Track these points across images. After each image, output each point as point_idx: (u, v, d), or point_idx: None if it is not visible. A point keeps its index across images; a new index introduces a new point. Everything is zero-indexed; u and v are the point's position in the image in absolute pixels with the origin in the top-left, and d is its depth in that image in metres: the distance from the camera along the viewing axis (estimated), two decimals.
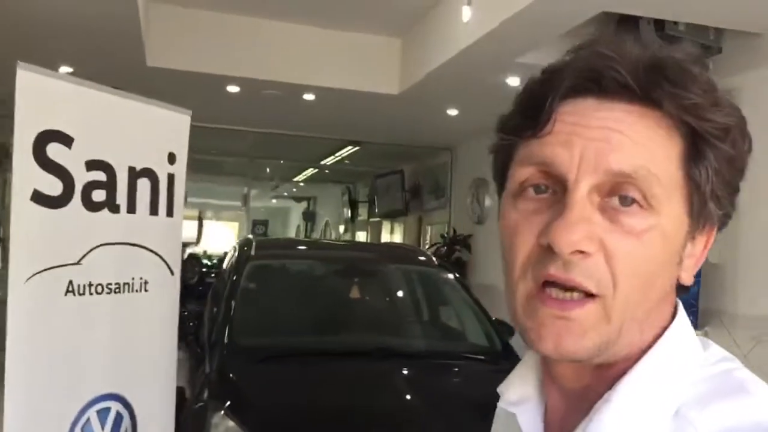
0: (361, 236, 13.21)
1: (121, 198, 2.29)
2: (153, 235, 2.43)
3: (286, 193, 16.20)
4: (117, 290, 2.29)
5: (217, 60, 5.76)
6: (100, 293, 2.22)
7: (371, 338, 3.69)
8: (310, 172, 12.89)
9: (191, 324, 3.65)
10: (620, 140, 0.60)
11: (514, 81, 5.39)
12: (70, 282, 2.12)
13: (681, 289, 0.67)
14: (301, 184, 14.35)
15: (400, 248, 6.24)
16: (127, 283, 2.33)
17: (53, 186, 2.05)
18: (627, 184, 0.60)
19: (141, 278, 2.39)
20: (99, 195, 2.21)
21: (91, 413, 2.24)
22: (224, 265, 4.73)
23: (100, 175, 2.21)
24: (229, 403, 2.85)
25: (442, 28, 5.23)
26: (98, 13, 4.49)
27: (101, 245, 2.22)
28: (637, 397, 0.62)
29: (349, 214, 13.49)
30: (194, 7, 5.67)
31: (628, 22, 4.25)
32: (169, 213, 2.50)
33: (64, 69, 5.55)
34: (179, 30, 5.68)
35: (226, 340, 3.30)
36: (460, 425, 2.86)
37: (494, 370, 3.51)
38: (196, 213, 10.88)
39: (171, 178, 2.50)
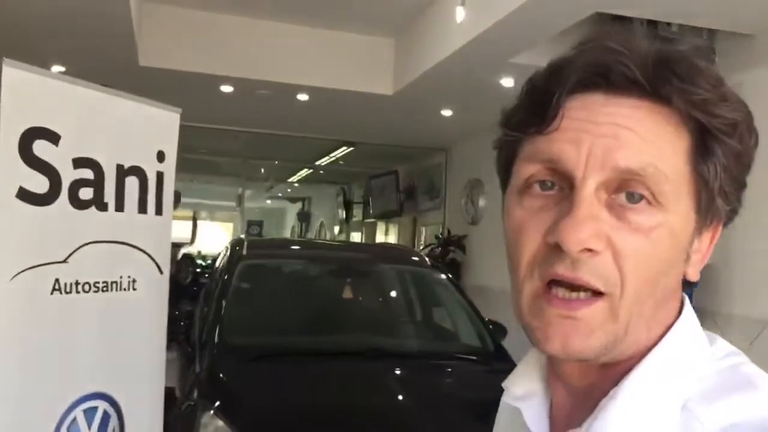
0: (356, 237, 13.20)
1: (109, 196, 2.27)
2: (141, 233, 2.42)
3: (280, 194, 16.19)
4: (105, 289, 2.27)
5: (211, 60, 5.75)
6: (87, 292, 2.21)
7: (363, 338, 3.68)
8: (304, 172, 12.88)
9: (182, 323, 3.64)
10: (628, 137, 0.59)
11: (508, 82, 5.39)
12: (57, 280, 2.10)
13: (686, 284, 0.67)
14: (296, 184, 14.33)
15: (393, 248, 6.23)
16: (115, 282, 2.32)
17: (39, 183, 2.03)
18: (635, 181, 0.59)
19: (129, 277, 2.37)
20: (86, 193, 2.19)
21: (78, 412, 2.22)
22: (216, 265, 4.71)
23: (88, 173, 2.19)
24: (218, 403, 2.84)
25: (435, 29, 5.22)
26: (90, 13, 4.48)
27: (88, 243, 2.21)
28: (643, 394, 0.62)
29: (344, 215, 13.49)
30: (187, 6, 5.65)
31: (621, 23, 4.26)
32: (158, 211, 2.48)
33: (57, 68, 5.53)
34: (172, 29, 5.67)
35: (216, 340, 3.29)
36: (452, 425, 2.86)
37: (486, 371, 3.50)
38: (190, 213, 10.84)
39: (160, 176, 2.48)
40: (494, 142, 0.70)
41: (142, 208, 2.41)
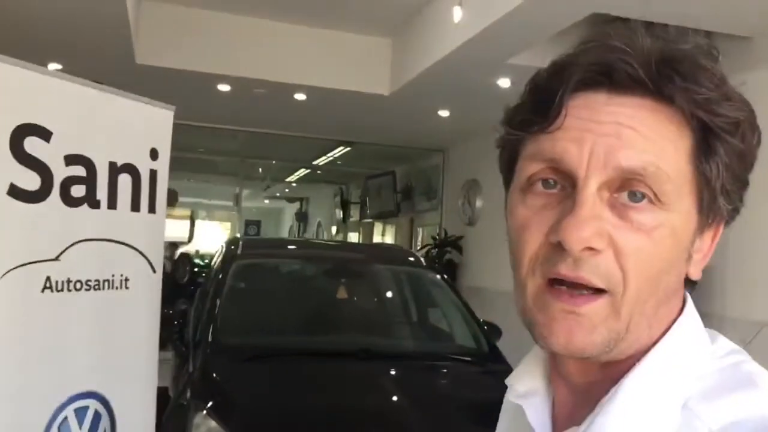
0: (353, 237, 13.19)
1: (102, 193, 2.25)
2: (134, 231, 2.40)
3: (278, 194, 16.17)
4: (97, 287, 2.26)
5: (208, 58, 5.74)
6: (78, 290, 2.19)
7: (357, 339, 3.67)
8: (302, 172, 12.86)
9: (176, 323, 3.62)
10: (631, 136, 0.59)
11: (505, 82, 5.38)
12: (48, 278, 2.08)
13: (688, 283, 0.67)
14: (294, 184, 14.32)
15: (388, 249, 6.23)
16: (108, 280, 2.30)
17: (30, 180, 2.02)
18: (636, 180, 0.59)
19: (122, 275, 2.36)
20: (78, 190, 2.17)
21: (69, 412, 2.21)
22: (212, 264, 4.70)
23: (80, 170, 2.18)
24: (211, 403, 2.82)
25: (432, 29, 5.21)
26: (87, 11, 4.46)
27: (80, 241, 2.19)
28: (644, 392, 0.62)
29: (341, 215, 13.48)
30: (184, 5, 5.64)
31: (617, 25, 4.25)
32: (152, 209, 2.47)
33: (54, 66, 5.52)
34: (169, 28, 5.65)
35: (210, 339, 3.28)
36: (445, 426, 2.85)
37: (481, 372, 3.50)
38: (188, 212, 10.83)
39: (153, 174, 2.47)
40: (497, 140, 0.70)
41: (135, 206, 2.39)
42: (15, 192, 1.97)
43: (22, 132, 1.98)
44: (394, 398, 3.20)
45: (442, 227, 8.63)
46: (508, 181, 0.70)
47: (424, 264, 4.49)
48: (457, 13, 4.61)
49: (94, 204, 2.23)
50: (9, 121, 1.95)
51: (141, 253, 2.43)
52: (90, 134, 2.22)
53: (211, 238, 14.07)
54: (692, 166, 0.61)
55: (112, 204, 2.29)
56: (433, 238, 8.55)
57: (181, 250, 9.51)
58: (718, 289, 4.32)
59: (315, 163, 11.20)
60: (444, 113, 6.87)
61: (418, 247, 9.32)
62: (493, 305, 5.78)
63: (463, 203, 8.07)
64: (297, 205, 17.05)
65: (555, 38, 4.29)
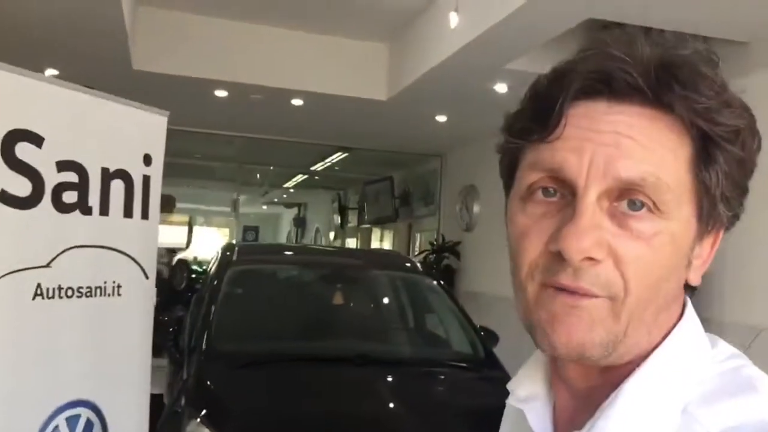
0: (352, 243, 13.17)
1: (94, 199, 2.24)
2: (127, 237, 2.39)
3: (276, 199, 16.16)
4: (89, 294, 2.24)
5: (204, 64, 5.73)
6: (70, 297, 2.17)
7: (353, 345, 3.65)
8: (300, 178, 12.85)
9: (171, 329, 3.60)
10: (630, 146, 0.59)
11: (502, 87, 5.37)
12: (39, 285, 2.07)
13: (688, 289, 0.67)
14: (291, 190, 14.30)
15: (384, 254, 6.22)
16: (99, 287, 2.29)
17: (22, 186, 2.01)
18: (636, 190, 0.59)
19: (114, 282, 2.34)
20: (70, 196, 2.16)
21: (60, 420, 2.19)
22: (208, 271, 4.68)
23: (72, 176, 2.16)
24: (205, 410, 2.80)
25: (429, 34, 5.21)
26: (83, 16, 4.45)
27: (72, 248, 2.18)
28: (644, 396, 0.62)
29: (339, 221, 13.45)
30: (181, 10, 5.63)
31: (617, 31, 4.24)
32: (144, 215, 2.46)
33: (50, 71, 5.50)
34: (166, 34, 5.64)
35: (204, 346, 3.25)
36: None
37: (477, 378, 3.48)
38: (186, 218, 10.81)
39: (146, 179, 2.45)
40: (497, 146, 0.70)
41: (128, 212, 2.38)
42: (6, 198, 1.96)
43: (13, 138, 1.97)
44: (391, 405, 3.18)
45: (440, 233, 8.61)
46: (508, 187, 0.70)
47: (421, 270, 4.47)
48: (454, 19, 4.60)
49: (86, 210, 2.21)
50: (0, 126, 1.94)
51: (134, 259, 2.41)
52: (82, 140, 2.21)
53: (209, 244, 14.05)
54: (692, 174, 0.61)
55: (104, 210, 2.28)
56: (431, 243, 8.53)
57: (178, 256, 9.49)
58: (717, 293, 4.31)
59: (313, 168, 11.18)
60: (441, 118, 6.86)
61: (416, 253, 9.30)
62: (491, 310, 5.76)
63: (461, 209, 8.05)
64: (295, 210, 17.03)
65: (551, 43, 4.29)
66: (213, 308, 3.53)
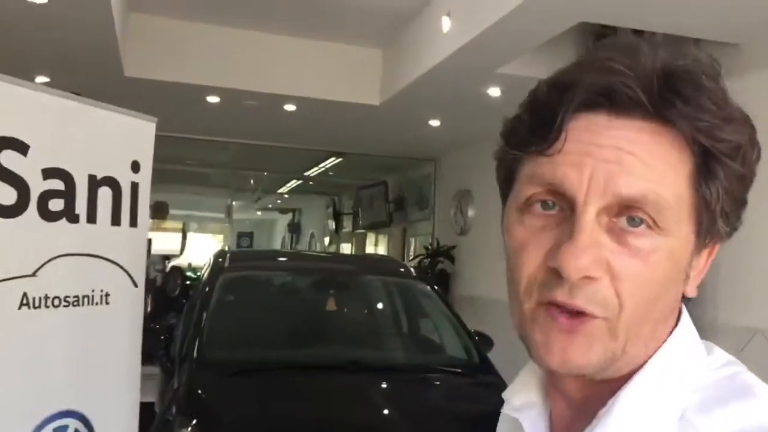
0: (346, 248, 13.15)
1: (81, 207, 2.22)
2: (115, 245, 2.36)
3: (270, 205, 16.13)
4: (76, 303, 2.21)
5: (196, 70, 5.70)
6: (57, 306, 2.15)
7: (346, 351, 3.62)
8: (294, 183, 12.83)
9: (162, 337, 3.57)
10: (631, 162, 0.59)
11: (495, 91, 5.36)
12: (25, 294, 2.04)
13: (683, 297, 0.67)
14: (286, 195, 14.28)
15: (378, 260, 6.18)
16: (87, 296, 2.26)
17: (6, 195, 1.98)
18: (636, 207, 0.59)
19: (102, 290, 2.32)
20: (56, 204, 2.14)
21: (48, 431, 2.16)
22: (201, 277, 4.64)
23: (58, 184, 2.14)
24: (195, 420, 2.77)
25: (422, 39, 5.20)
26: (73, 23, 4.43)
27: (59, 256, 2.15)
28: (641, 404, 0.62)
29: (334, 226, 13.43)
30: (173, 17, 5.61)
31: (606, 33, 4.25)
32: (133, 223, 2.43)
33: (41, 79, 5.48)
34: (158, 40, 5.62)
35: (195, 354, 3.22)
36: None
37: (471, 384, 3.46)
38: (179, 225, 10.77)
39: (135, 186, 2.43)
40: (494, 152, 0.69)
41: (116, 220, 2.36)
42: None
43: None
44: (384, 412, 3.15)
45: (435, 237, 8.60)
46: (504, 195, 0.69)
47: (414, 275, 4.45)
48: (446, 23, 4.59)
49: (73, 218, 2.19)
50: None
51: (122, 267, 2.38)
52: (68, 147, 2.19)
53: (203, 250, 14.02)
54: (692, 189, 0.60)
55: (91, 218, 2.25)
56: (426, 248, 8.52)
57: (173, 263, 9.45)
58: (712, 295, 4.30)
59: (307, 174, 11.17)
60: (435, 123, 6.85)
61: (411, 257, 9.28)
62: (486, 314, 5.74)
63: (455, 213, 8.04)
64: (289, 216, 17.01)
65: (544, 47, 4.28)
66: (204, 315, 3.49)
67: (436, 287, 4.32)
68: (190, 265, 11.61)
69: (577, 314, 0.60)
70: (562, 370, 0.61)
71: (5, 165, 1.97)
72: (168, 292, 7.63)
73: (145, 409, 2.82)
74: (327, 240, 14.43)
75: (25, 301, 2.04)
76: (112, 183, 2.33)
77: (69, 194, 2.17)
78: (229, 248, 7.74)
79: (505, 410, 0.75)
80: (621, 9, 3.78)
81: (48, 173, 2.11)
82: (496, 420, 0.80)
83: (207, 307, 3.55)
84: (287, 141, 8.32)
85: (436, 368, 3.67)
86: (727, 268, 4.15)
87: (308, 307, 4.04)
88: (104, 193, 2.30)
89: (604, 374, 0.62)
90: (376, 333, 4.04)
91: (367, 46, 6.07)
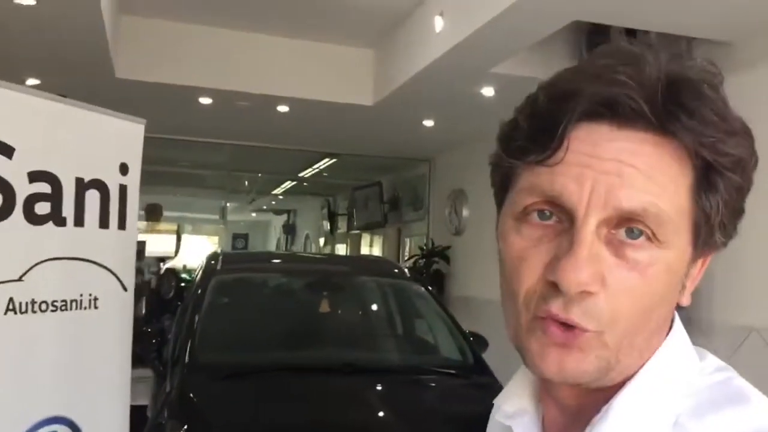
0: (341, 249, 13.13)
1: (68, 210, 2.19)
2: (103, 249, 2.33)
3: (265, 207, 16.09)
4: (63, 308, 2.18)
5: (188, 71, 5.67)
6: (44, 311, 2.12)
7: (340, 353, 3.59)
8: (288, 184, 12.79)
9: (154, 341, 3.53)
10: (632, 174, 0.58)
11: (489, 91, 5.34)
12: (11, 299, 2.01)
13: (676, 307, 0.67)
14: (280, 197, 14.24)
15: (372, 261, 6.16)
16: (75, 300, 2.23)
17: None
18: (636, 220, 0.58)
19: (90, 295, 2.29)
20: (43, 207, 2.11)
21: None
22: (193, 280, 4.61)
23: (45, 187, 2.11)
24: (187, 425, 2.74)
25: (414, 39, 5.18)
26: (63, 25, 4.39)
27: (46, 260, 2.12)
28: (635, 410, 0.62)
29: (329, 227, 13.40)
30: (164, 18, 5.58)
31: (599, 32, 4.23)
32: (122, 226, 2.40)
33: (32, 81, 5.44)
34: (149, 42, 5.59)
35: (187, 358, 3.19)
36: None
37: (466, 385, 3.44)
38: (173, 227, 10.73)
39: (123, 189, 2.40)
40: (490, 156, 0.68)
41: (104, 223, 2.33)
42: None
43: None
44: (379, 413, 3.13)
45: (430, 237, 8.58)
46: (500, 200, 0.68)
47: (409, 276, 4.42)
48: (439, 23, 4.57)
49: (60, 222, 2.16)
50: None
51: (111, 271, 2.36)
52: (55, 150, 2.16)
53: (198, 252, 13.97)
54: (692, 202, 0.60)
55: (79, 221, 2.22)
56: (421, 248, 8.50)
57: (167, 265, 9.40)
58: (707, 294, 4.29)
59: (301, 175, 11.13)
60: (429, 123, 6.83)
61: (406, 258, 9.26)
62: (481, 314, 5.73)
63: (450, 213, 8.02)
64: (284, 217, 16.97)
65: (537, 46, 4.26)
66: (196, 318, 3.47)
67: (430, 288, 4.30)
68: (184, 267, 11.56)
69: (571, 327, 0.59)
70: (558, 379, 0.61)
71: None
72: (162, 295, 7.60)
73: (138, 412, 2.79)
74: (322, 241, 14.40)
75: (11, 307, 2.01)
76: (100, 186, 2.30)
77: (55, 197, 2.14)
78: (221, 250, 7.69)
79: (497, 417, 0.74)
80: (615, 8, 3.77)
81: (34, 176, 2.08)
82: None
83: (199, 310, 3.52)
84: (281, 142, 8.29)
85: (430, 369, 3.64)
86: (723, 267, 4.14)
87: (302, 309, 4.02)
88: (92, 196, 2.27)
89: (600, 383, 0.62)
90: (370, 334, 4.02)
91: (359, 47, 6.04)
